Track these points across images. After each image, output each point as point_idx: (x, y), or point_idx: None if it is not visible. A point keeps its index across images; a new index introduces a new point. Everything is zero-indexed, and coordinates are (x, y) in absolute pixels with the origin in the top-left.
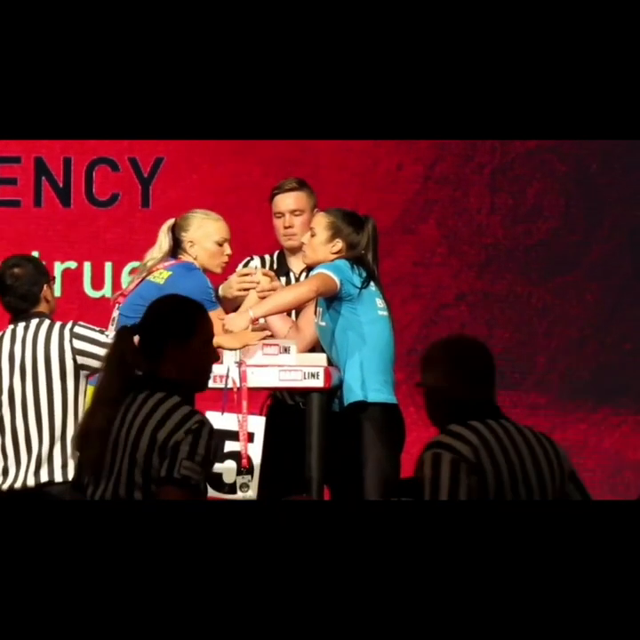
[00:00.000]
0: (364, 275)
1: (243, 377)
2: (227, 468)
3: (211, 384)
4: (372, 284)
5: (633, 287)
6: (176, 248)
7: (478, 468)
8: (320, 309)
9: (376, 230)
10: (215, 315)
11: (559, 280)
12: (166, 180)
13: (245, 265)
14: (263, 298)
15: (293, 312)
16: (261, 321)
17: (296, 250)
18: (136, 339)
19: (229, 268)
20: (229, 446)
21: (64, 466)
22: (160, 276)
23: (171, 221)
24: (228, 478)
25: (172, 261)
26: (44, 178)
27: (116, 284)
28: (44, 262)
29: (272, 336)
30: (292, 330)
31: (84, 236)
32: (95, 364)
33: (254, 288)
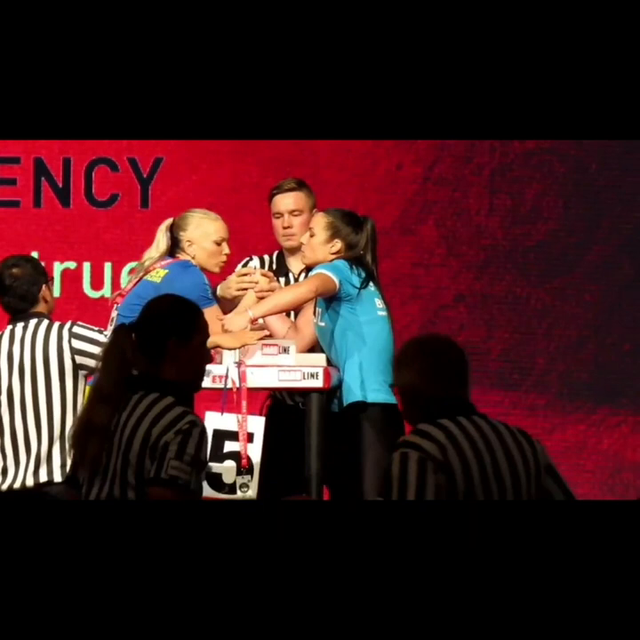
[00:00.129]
0: (363, 275)
1: (242, 377)
2: (226, 469)
3: (210, 384)
4: (371, 284)
5: (632, 288)
6: (174, 247)
7: (445, 466)
8: (319, 310)
9: (375, 230)
10: (212, 312)
11: (558, 281)
12: (166, 181)
13: (244, 265)
14: (261, 298)
15: (292, 312)
16: (260, 321)
17: (295, 250)
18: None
19: (228, 267)
20: (229, 446)
21: (63, 466)
22: (157, 275)
23: (169, 221)
24: (228, 478)
25: (169, 260)
26: (43, 178)
27: (115, 284)
28: (42, 262)
29: (270, 336)
30: (291, 330)
31: (84, 237)
32: (94, 363)
33: (253, 288)
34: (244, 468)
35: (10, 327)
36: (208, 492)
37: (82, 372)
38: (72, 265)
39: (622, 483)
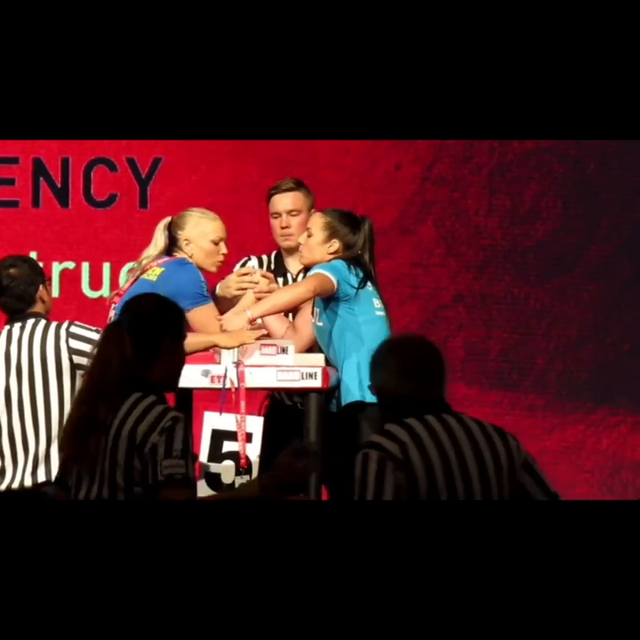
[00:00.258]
0: (361, 275)
1: (240, 377)
2: (225, 468)
3: (209, 384)
4: (369, 284)
5: (631, 288)
6: (172, 246)
7: (405, 465)
8: (317, 310)
9: (372, 230)
10: (209, 309)
11: (557, 281)
12: (164, 181)
13: (243, 265)
14: (260, 299)
15: (291, 312)
16: (259, 321)
17: (293, 250)
18: None
19: (225, 267)
20: (227, 446)
21: None
22: (153, 274)
23: (167, 219)
24: (227, 478)
25: (166, 258)
26: (42, 178)
27: (113, 284)
28: (41, 263)
29: (268, 335)
30: (289, 330)
31: (82, 237)
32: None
33: (252, 288)
34: (243, 467)
35: (7, 327)
36: (207, 491)
37: (79, 372)
38: (71, 265)
39: (621, 482)
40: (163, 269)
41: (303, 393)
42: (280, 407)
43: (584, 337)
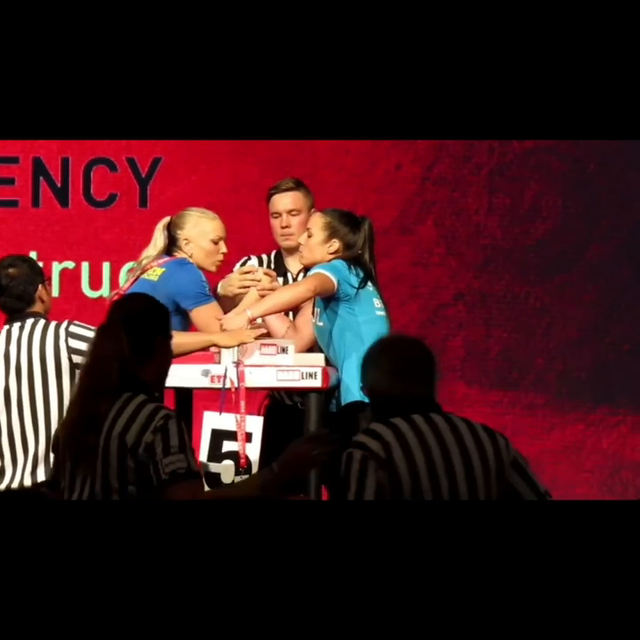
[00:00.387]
0: (362, 275)
1: (240, 377)
2: (225, 468)
3: (209, 384)
4: (369, 284)
5: (631, 287)
6: (172, 246)
7: (388, 464)
8: (317, 310)
9: (372, 230)
10: (211, 309)
11: (557, 280)
12: (164, 180)
13: (242, 265)
14: (263, 297)
15: (291, 312)
16: (259, 321)
17: (293, 250)
18: None
19: (225, 267)
20: (227, 446)
21: None
22: (154, 274)
23: (166, 219)
24: (227, 478)
25: (166, 258)
26: (41, 178)
27: (113, 284)
28: (41, 262)
29: (268, 335)
30: (289, 330)
31: (82, 237)
32: None
33: (255, 286)
34: (243, 467)
35: (6, 327)
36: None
37: (79, 372)
38: (70, 265)
39: (621, 482)
40: (164, 270)
41: (303, 393)
42: (280, 407)
43: (584, 336)
